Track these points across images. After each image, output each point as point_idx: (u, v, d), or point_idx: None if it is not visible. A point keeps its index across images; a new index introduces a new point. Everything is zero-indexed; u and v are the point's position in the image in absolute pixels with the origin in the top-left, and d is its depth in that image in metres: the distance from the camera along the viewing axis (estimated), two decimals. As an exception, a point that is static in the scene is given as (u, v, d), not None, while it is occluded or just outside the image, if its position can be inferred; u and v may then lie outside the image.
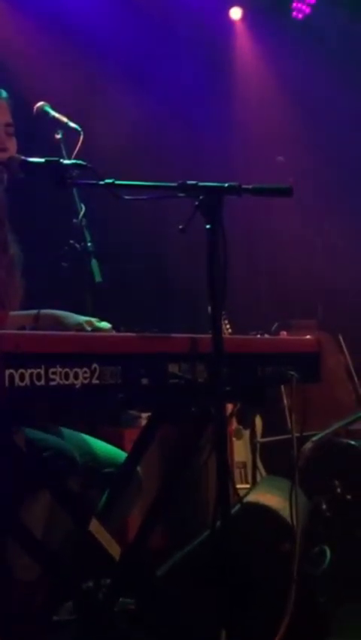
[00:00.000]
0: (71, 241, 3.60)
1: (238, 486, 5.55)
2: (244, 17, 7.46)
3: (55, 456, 2.88)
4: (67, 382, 2.40)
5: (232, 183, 2.78)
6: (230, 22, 7.48)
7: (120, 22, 6.56)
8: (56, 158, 2.96)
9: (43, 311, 2.82)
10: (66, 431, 3.20)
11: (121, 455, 3.26)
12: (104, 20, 6.45)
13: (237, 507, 3.50)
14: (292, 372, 3.11)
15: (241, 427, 5.85)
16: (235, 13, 7.46)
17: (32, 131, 3.42)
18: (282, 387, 4.62)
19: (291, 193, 2.81)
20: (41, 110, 3.79)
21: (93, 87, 6.34)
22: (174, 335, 2.78)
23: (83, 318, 2.80)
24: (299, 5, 7.27)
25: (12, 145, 3.23)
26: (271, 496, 3.87)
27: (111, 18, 6.51)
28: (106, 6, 6.49)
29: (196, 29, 7.08)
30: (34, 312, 2.81)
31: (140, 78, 6.66)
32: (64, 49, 6.26)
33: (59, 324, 2.77)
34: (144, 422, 4.50)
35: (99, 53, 6.41)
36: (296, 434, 3.28)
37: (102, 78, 6.45)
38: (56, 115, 3.78)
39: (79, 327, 2.77)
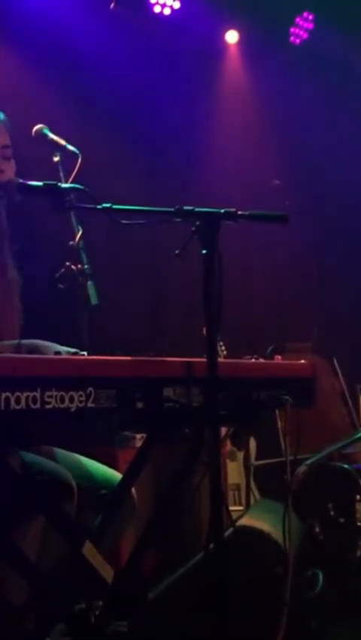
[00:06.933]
0: (68, 263, 3.60)
1: (232, 508, 5.56)
2: (240, 41, 7.46)
3: (50, 480, 2.88)
4: (62, 406, 2.41)
5: (229, 209, 2.79)
6: (225, 46, 7.48)
7: (112, 44, 6.59)
8: (54, 182, 2.99)
9: (24, 341, 2.82)
10: (61, 452, 3.19)
11: (116, 477, 3.25)
12: (98, 44, 6.47)
13: (230, 530, 3.50)
14: (286, 397, 3.12)
15: (235, 448, 5.85)
16: (231, 36, 7.46)
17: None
18: (276, 410, 4.62)
19: (287, 220, 2.81)
20: (40, 133, 3.80)
21: (86, 112, 6.35)
22: (169, 359, 2.79)
23: (63, 349, 2.79)
24: (297, 30, 7.31)
25: (9, 168, 3.24)
26: (263, 521, 3.87)
27: (104, 41, 6.53)
28: (100, 29, 6.51)
29: (191, 52, 7.09)
30: (15, 342, 2.81)
31: (131, 100, 6.68)
32: (58, 72, 6.30)
33: (39, 354, 2.76)
34: (138, 443, 4.50)
35: (93, 77, 6.44)
36: (290, 457, 3.29)
37: (96, 102, 6.48)
38: (55, 137, 3.79)
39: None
